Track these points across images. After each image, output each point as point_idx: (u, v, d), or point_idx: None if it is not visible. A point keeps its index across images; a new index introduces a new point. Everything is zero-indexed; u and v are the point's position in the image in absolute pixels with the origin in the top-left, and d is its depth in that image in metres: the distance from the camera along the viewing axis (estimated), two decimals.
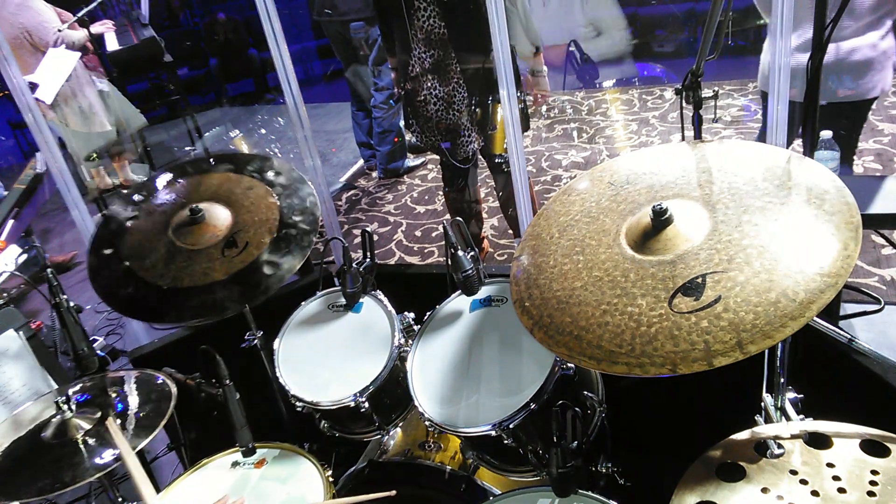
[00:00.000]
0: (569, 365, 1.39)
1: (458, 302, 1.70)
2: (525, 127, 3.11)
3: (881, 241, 3.04)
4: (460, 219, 1.62)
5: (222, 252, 1.64)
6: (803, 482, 0.94)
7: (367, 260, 1.80)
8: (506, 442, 1.38)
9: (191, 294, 1.58)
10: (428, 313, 1.71)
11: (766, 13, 2.68)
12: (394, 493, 1.46)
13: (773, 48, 2.03)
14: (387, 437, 1.79)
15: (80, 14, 4.08)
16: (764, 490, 0.94)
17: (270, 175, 1.83)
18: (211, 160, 1.91)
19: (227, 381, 1.48)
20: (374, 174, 5.17)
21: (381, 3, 2.98)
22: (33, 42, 4.39)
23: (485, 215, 4.18)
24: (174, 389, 1.53)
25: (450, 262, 1.58)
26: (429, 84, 2.92)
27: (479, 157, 3.30)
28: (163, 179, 1.86)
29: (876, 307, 2.70)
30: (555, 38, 4.96)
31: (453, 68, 2.89)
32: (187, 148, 5.36)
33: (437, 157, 3.31)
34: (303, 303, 1.89)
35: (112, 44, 4.88)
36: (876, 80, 2.59)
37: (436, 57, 2.86)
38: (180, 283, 1.59)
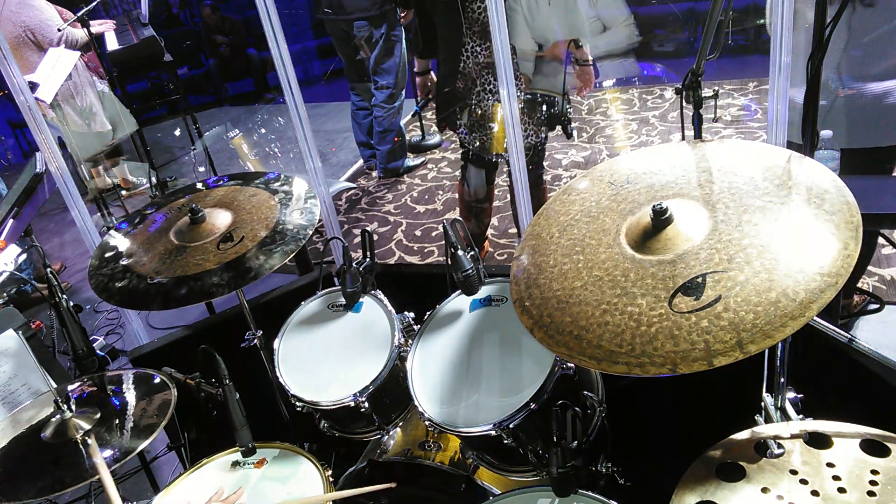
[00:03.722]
0: (569, 364, 1.39)
1: (458, 302, 1.70)
2: (565, 131, 3.01)
3: (881, 240, 3.03)
4: (460, 218, 1.62)
5: (217, 246, 1.64)
6: (803, 482, 0.94)
7: (367, 259, 1.80)
8: (506, 442, 1.38)
9: (181, 282, 1.58)
10: (428, 313, 1.71)
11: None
12: (394, 484, 1.47)
13: (774, 49, 2.03)
14: (387, 437, 1.79)
15: (80, 13, 4.08)
16: (764, 490, 0.94)
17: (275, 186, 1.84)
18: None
19: (227, 381, 1.48)
20: (374, 174, 5.17)
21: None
22: (36, 40, 4.40)
23: None
24: (174, 389, 1.53)
25: (450, 262, 1.58)
26: (483, 80, 2.82)
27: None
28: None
29: (876, 307, 2.70)
30: (559, 36, 4.93)
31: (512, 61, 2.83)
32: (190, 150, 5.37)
33: (446, 153, 3.27)
34: (303, 302, 1.89)
35: (112, 43, 4.88)
36: None
37: (492, 49, 2.81)
38: (173, 274, 1.60)
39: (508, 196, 3.68)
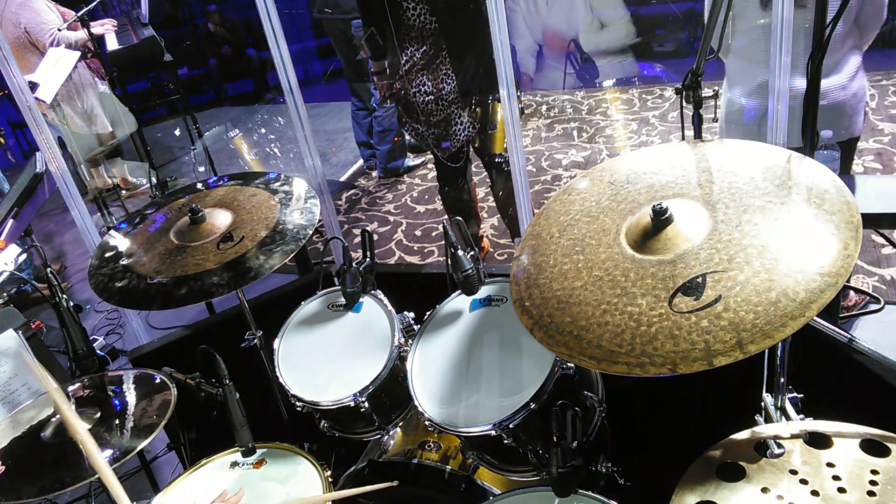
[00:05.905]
0: (569, 364, 1.39)
1: (458, 301, 1.70)
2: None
3: (881, 240, 3.04)
4: (460, 218, 1.62)
5: (217, 246, 1.64)
6: (803, 482, 0.94)
7: (367, 259, 1.80)
8: (506, 442, 1.38)
9: (181, 282, 1.58)
10: (428, 313, 1.71)
11: (724, 51, 2.49)
12: (396, 483, 1.46)
13: (773, 49, 2.03)
14: (387, 437, 1.79)
15: (80, 13, 4.08)
16: (764, 490, 0.94)
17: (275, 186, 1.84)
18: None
19: (227, 381, 1.48)
20: (374, 174, 5.17)
21: (367, 7, 2.99)
22: (32, 41, 4.40)
23: (484, 215, 4.18)
24: (174, 389, 1.53)
25: (450, 262, 1.58)
26: (418, 80, 2.94)
27: (474, 155, 3.30)
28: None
29: (876, 307, 2.70)
30: (559, 25, 4.88)
31: (443, 61, 2.90)
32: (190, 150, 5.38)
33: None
34: (303, 302, 1.89)
35: (112, 43, 4.87)
36: (847, 124, 2.32)
37: (428, 52, 2.87)
38: (173, 274, 1.60)
39: (493, 197, 3.71)
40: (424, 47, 2.86)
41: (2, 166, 5.17)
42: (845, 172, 2.45)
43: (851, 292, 2.71)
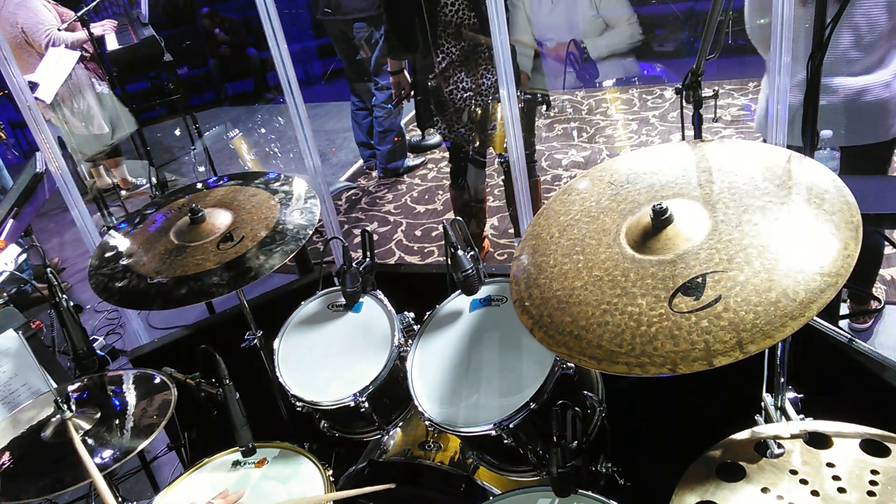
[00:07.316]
0: (569, 364, 1.39)
1: (458, 301, 1.70)
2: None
3: None
4: (460, 218, 1.62)
5: (217, 246, 1.64)
6: (803, 482, 0.94)
7: (367, 259, 1.80)
8: (506, 442, 1.38)
9: (181, 282, 1.58)
10: (428, 313, 1.71)
11: (764, 49, 2.50)
12: (393, 485, 1.47)
13: (774, 49, 2.03)
14: (387, 437, 1.79)
15: (79, 13, 4.08)
16: (764, 490, 0.94)
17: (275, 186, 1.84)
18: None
19: (227, 381, 1.48)
20: (374, 174, 5.17)
21: (398, 7, 2.97)
22: (28, 41, 4.40)
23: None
24: (174, 389, 1.53)
25: (450, 262, 1.58)
26: (456, 77, 2.93)
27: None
28: None
29: (879, 307, 2.70)
30: (562, 36, 4.92)
31: (483, 56, 2.90)
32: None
33: (446, 153, 3.31)
34: (303, 302, 1.89)
35: (112, 43, 4.87)
36: (890, 123, 2.23)
37: (466, 48, 2.87)
38: (173, 274, 1.60)
39: (504, 196, 3.71)
40: (463, 43, 2.86)
41: (7, 163, 5.16)
42: (882, 173, 2.39)
43: (872, 300, 2.71)
